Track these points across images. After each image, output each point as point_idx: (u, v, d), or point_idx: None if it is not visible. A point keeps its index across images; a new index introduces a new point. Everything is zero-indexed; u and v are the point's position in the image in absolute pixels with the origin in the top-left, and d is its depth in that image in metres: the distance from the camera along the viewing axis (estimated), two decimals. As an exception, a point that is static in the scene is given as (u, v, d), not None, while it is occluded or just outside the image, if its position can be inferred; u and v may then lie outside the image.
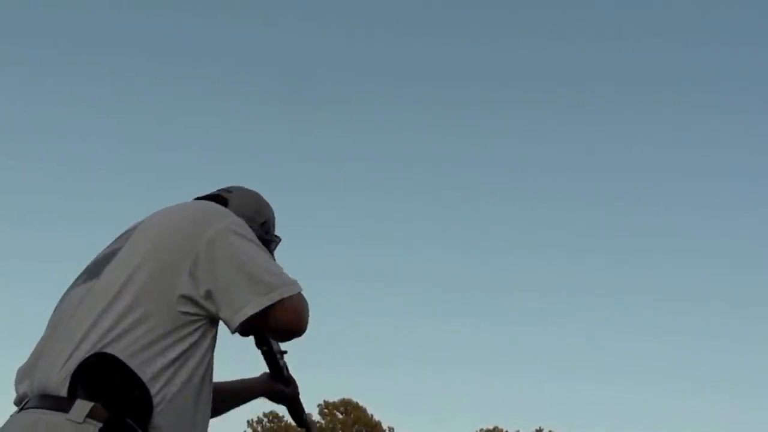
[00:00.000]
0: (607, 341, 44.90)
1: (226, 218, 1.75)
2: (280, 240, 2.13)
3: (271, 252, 2.07)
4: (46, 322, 1.74)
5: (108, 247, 1.81)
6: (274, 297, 1.66)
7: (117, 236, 1.82)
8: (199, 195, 2.03)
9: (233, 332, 1.70)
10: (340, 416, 32.98)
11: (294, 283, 1.72)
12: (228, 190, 2.05)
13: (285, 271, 1.75)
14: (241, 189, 2.07)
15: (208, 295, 1.64)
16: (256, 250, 1.72)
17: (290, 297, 1.68)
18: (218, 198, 1.99)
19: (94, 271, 1.73)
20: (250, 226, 1.84)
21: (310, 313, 1.75)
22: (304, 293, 1.75)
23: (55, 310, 1.75)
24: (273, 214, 2.11)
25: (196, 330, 1.65)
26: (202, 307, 1.65)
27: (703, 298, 45.71)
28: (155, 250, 1.67)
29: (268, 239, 2.04)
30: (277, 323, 1.69)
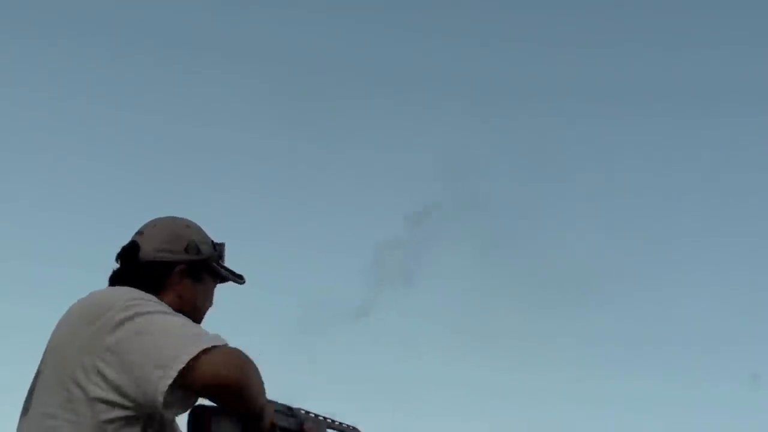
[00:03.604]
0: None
1: (113, 313, 1.67)
2: (222, 245, 2.02)
3: (221, 263, 2.00)
4: None
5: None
6: (185, 357, 1.57)
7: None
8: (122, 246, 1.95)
9: (172, 416, 1.69)
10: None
11: (216, 336, 1.65)
12: (140, 231, 1.95)
13: (194, 325, 1.70)
14: (153, 224, 1.97)
15: (127, 392, 1.61)
16: (152, 320, 1.66)
17: (217, 351, 1.60)
18: (132, 246, 1.92)
19: (25, 403, 1.75)
20: (173, 259, 1.88)
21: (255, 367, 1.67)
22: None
23: None
24: (195, 229, 1.99)
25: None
26: (127, 407, 1.62)
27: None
28: (61, 374, 1.67)
29: (201, 259, 1.95)
30: (208, 381, 1.59)
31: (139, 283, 1.82)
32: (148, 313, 1.67)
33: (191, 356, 1.57)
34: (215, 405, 1.69)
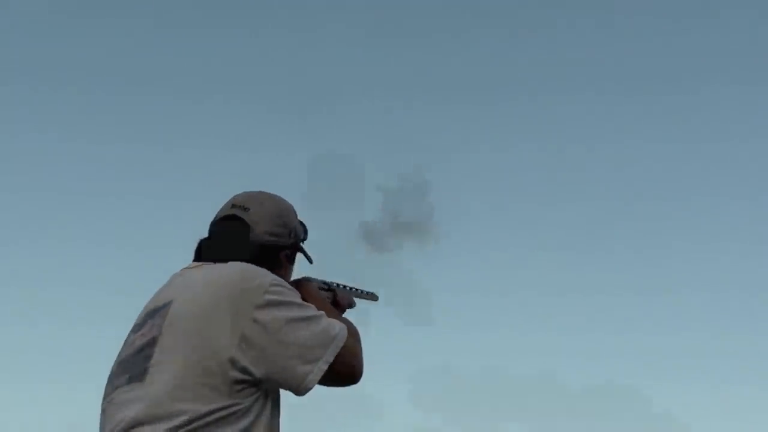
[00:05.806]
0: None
1: (261, 290, 1.72)
2: (306, 230, 2.07)
3: (303, 245, 2.06)
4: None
5: (140, 330, 1.77)
6: (330, 358, 1.72)
7: (144, 312, 1.80)
8: (215, 216, 1.97)
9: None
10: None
11: (341, 328, 1.76)
12: (244, 207, 1.93)
13: (324, 317, 1.77)
14: (259, 201, 1.95)
15: (265, 377, 1.68)
16: (299, 312, 1.73)
17: (344, 347, 1.75)
18: (243, 225, 1.91)
19: (135, 369, 1.70)
20: (280, 243, 1.91)
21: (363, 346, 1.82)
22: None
23: (104, 415, 1.72)
24: (293, 210, 2.01)
25: (257, 401, 1.69)
26: (259, 386, 1.69)
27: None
28: (199, 343, 1.66)
29: (297, 241, 2.02)
30: (337, 375, 1.75)
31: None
32: (296, 304, 1.74)
33: (335, 355, 1.72)
34: None
